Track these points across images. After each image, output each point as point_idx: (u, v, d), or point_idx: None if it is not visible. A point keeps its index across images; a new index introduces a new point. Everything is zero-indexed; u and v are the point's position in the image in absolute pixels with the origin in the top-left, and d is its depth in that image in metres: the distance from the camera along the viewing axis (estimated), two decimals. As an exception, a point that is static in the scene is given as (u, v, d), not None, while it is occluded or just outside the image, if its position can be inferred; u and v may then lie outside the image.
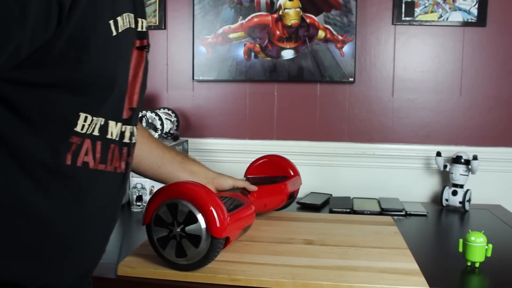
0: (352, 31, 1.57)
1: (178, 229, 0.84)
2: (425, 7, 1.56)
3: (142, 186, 1.42)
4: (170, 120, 1.63)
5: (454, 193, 1.46)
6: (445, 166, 1.51)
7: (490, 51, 1.56)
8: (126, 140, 0.68)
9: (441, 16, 1.56)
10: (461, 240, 0.96)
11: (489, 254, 0.94)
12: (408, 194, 1.60)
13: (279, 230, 1.13)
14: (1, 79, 0.51)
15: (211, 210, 0.83)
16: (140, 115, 1.52)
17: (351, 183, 1.64)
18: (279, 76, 1.64)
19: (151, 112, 1.57)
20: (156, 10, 1.71)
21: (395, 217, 1.33)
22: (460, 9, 1.55)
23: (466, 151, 1.50)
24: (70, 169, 0.59)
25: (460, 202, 1.45)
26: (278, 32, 1.61)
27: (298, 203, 1.46)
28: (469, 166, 1.46)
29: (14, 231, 0.56)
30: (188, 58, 1.70)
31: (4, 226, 0.56)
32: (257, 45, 1.63)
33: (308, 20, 1.59)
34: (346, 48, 1.59)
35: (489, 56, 1.56)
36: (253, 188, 1.12)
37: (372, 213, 1.37)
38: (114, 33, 0.58)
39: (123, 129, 0.66)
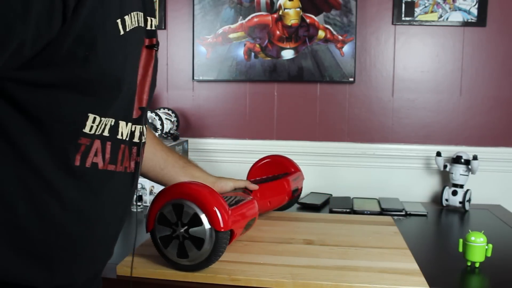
0: (352, 31, 1.57)
1: (182, 230, 0.84)
2: (425, 7, 1.56)
3: (142, 186, 1.42)
4: (170, 120, 1.63)
5: (454, 193, 1.46)
6: (445, 166, 1.51)
7: (490, 51, 1.56)
8: (136, 139, 0.68)
9: (441, 16, 1.56)
10: (461, 240, 0.96)
11: (489, 254, 0.94)
12: (408, 194, 1.60)
13: (279, 230, 1.13)
14: (11, 80, 0.51)
15: (213, 207, 0.83)
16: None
17: (351, 183, 1.64)
18: (279, 76, 1.64)
19: (151, 112, 1.57)
20: (156, 10, 1.71)
21: (395, 217, 1.33)
22: (460, 9, 1.55)
23: (466, 151, 1.50)
24: (79, 170, 0.59)
25: (460, 202, 1.45)
26: (278, 32, 1.61)
27: (298, 203, 1.46)
28: (469, 166, 1.46)
29: (26, 232, 0.57)
30: (188, 58, 1.70)
31: (16, 227, 0.56)
32: (257, 45, 1.63)
33: (308, 20, 1.59)
34: (346, 48, 1.59)
35: (489, 56, 1.57)
36: (254, 187, 1.12)
37: (372, 213, 1.37)
38: (122, 32, 0.58)
39: (133, 129, 0.66)
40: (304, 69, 1.62)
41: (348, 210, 1.39)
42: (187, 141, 1.67)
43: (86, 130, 0.58)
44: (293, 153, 1.59)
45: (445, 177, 1.59)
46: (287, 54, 1.62)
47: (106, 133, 0.61)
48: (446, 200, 1.49)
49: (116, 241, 0.72)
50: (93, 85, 0.56)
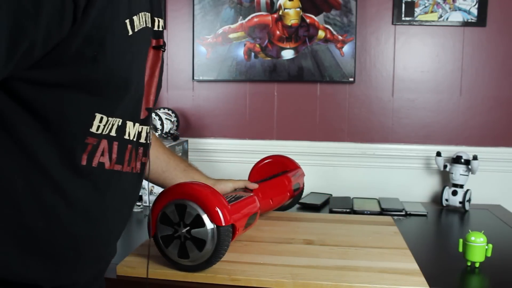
0: (352, 31, 1.57)
1: (184, 230, 0.84)
2: (425, 7, 1.56)
3: (142, 186, 1.42)
4: (170, 120, 1.63)
5: (454, 193, 1.46)
6: (445, 166, 1.51)
7: (490, 51, 1.56)
8: (143, 140, 0.68)
9: (441, 16, 1.56)
10: (461, 240, 0.96)
11: (489, 254, 0.94)
12: (408, 194, 1.60)
13: (279, 230, 1.13)
14: (19, 79, 0.51)
15: (215, 206, 0.83)
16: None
17: (351, 183, 1.64)
18: (279, 76, 1.64)
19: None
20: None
21: (395, 217, 1.33)
22: (460, 9, 1.55)
23: (466, 151, 1.50)
24: (86, 169, 0.59)
25: (460, 202, 1.45)
26: (278, 32, 1.61)
27: (298, 203, 1.45)
28: (469, 166, 1.46)
29: (31, 231, 0.57)
30: (188, 58, 1.70)
31: (21, 226, 0.56)
32: (257, 45, 1.63)
33: (308, 20, 1.59)
34: (346, 48, 1.59)
35: (489, 56, 1.56)
36: (254, 186, 1.13)
37: (372, 213, 1.37)
38: (130, 32, 0.58)
39: (140, 130, 0.66)
40: (304, 69, 1.62)
41: (348, 210, 1.39)
42: (187, 141, 1.67)
43: (93, 129, 0.58)
44: (293, 153, 1.59)
45: (445, 177, 1.59)
46: (287, 54, 1.62)
47: (113, 133, 0.61)
48: (446, 200, 1.49)
49: (118, 239, 0.72)
50: (100, 85, 0.56)
